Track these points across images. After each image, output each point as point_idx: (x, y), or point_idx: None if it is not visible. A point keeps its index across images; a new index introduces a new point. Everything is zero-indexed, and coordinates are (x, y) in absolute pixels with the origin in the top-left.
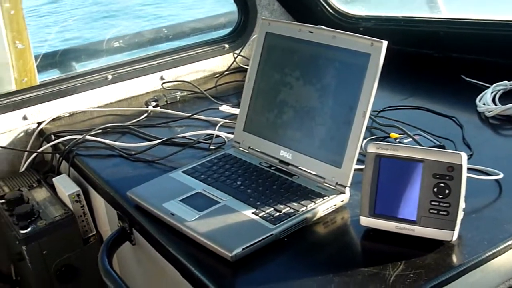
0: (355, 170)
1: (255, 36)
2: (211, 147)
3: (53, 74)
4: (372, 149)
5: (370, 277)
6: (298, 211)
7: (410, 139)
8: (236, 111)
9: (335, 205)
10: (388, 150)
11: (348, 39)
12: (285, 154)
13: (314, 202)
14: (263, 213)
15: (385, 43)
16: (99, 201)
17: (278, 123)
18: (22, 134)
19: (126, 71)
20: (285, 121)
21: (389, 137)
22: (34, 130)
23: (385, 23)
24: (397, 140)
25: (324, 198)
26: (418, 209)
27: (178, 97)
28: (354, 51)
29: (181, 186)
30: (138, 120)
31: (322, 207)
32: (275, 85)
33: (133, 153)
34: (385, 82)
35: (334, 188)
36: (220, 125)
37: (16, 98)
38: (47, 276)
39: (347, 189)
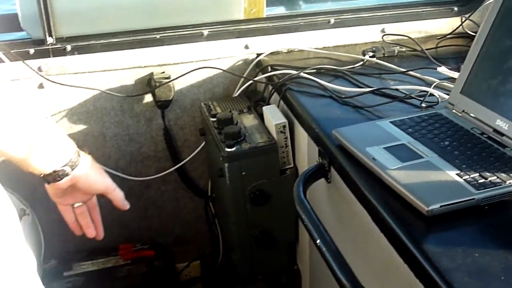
0: None
1: (489, 1)
2: (423, 104)
3: (279, 10)
4: None
5: None
6: (505, 182)
7: None
8: (455, 74)
9: None
10: None
11: None
12: (502, 124)
13: None
14: (468, 176)
15: None
16: (302, 136)
17: (500, 91)
18: (241, 62)
19: (349, 18)
20: (508, 89)
21: None
22: (252, 60)
23: None
24: None
25: None
26: None
27: (396, 51)
28: None
29: (387, 135)
30: (353, 67)
31: None
32: (505, 51)
33: (343, 96)
34: None
35: None
36: (435, 85)
37: (242, 27)
38: (242, 196)
39: None
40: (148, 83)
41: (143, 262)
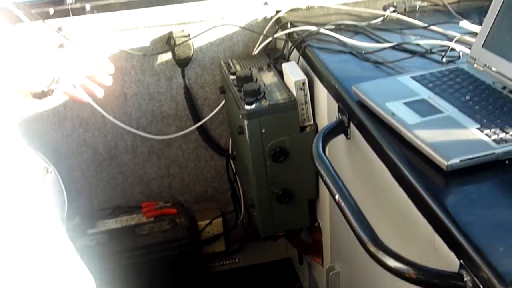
0: None
1: None
2: (444, 59)
3: None
4: None
5: None
6: None
7: None
8: (477, 28)
9: None
10: None
11: None
12: None
13: None
14: (488, 130)
15: None
16: (322, 93)
17: None
18: (260, 19)
19: None
20: None
21: None
22: (272, 17)
23: None
24: None
25: None
26: None
27: (418, 6)
28: None
29: (407, 90)
30: (374, 23)
31: None
32: None
33: (363, 52)
34: None
35: None
36: (457, 40)
37: None
38: (262, 153)
39: None
40: (168, 42)
41: (166, 220)
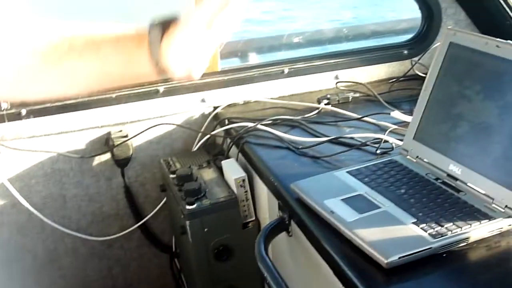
0: None
1: (436, 44)
2: (378, 151)
3: (234, 63)
4: None
5: None
6: (461, 228)
7: None
8: (408, 118)
9: (501, 228)
10: None
11: None
12: (455, 168)
13: (479, 221)
14: (424, 224)
15: None
16: (262, 189)
17: (451, 136)
18: (198, 115)
19: (302, 66)
20: (458, 134)
21: None
22: (210, 113)
23: None
24: None
25: (491, 219)
26: None
27: (351, 97)
28: None
29: (344, 186)
30: (309, 116)
31: (487, 228)
32: (453, 97)
33: (300, 147)
34: None
35: (503, 210)
36: (390, 131)
37: (198, 81)
38: (205, 252)
39: None
40: (106, 143)
41: None
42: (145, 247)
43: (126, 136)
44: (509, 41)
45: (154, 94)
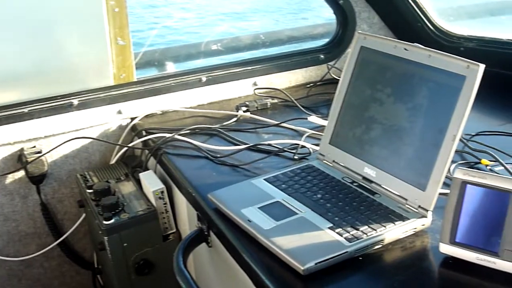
0: (440, 194)
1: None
2: (296, 157)
3: (151, 72)
4: (459, 174)
5: None
6: (376, 230)
7: (502, 168)
8: (324, 122)
9: (415, 228)
10: (476, 177)
11: (443, 59)
12: (369, 171)
13: (394, 223)
14: (340, 229)
15: (482, 67)
16: (181, 200)
17: (364, 139)
18: (115, 128)
19: (220, 74)
20: (372, 137)
21: (480, 163)
22: (127, 125)
23: (488, 45)
24: (488, 167)
25: (405, 220)
26: (502, 242)
27: (269, 104)
28: (449, 72)
29: (261, 194)
30: (227, 124)
31: (401, 229)
32: (365, 100)
33: (218, 156)
34: (483, 105)
35: (416, 211)
36: (307, 136)
37: (113, 93)
38: (126, 267)
39: (429, 213)
40: (19, 159)
41: None
42: (67, 265)
43: (40, 152)
44: (416, 43)
45: (68, 107)
